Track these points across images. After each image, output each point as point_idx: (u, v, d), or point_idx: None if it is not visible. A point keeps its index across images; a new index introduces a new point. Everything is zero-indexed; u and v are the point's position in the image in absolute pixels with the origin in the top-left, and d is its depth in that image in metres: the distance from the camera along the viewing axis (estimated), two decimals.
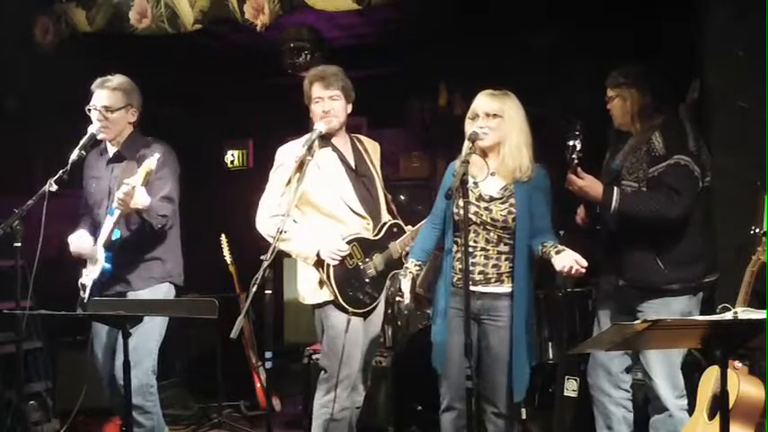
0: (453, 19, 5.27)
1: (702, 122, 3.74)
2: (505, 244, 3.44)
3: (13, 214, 3.63)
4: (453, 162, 3.52)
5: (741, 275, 3.21)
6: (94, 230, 3.88)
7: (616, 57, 3.66)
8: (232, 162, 7.20)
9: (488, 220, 3.42)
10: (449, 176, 3.54)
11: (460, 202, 3.27)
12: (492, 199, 3.44)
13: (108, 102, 3.83)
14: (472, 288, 3.34)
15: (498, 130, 3.41)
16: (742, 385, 3.17)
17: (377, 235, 3.80)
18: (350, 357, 3.69)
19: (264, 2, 4.50)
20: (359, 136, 3.99)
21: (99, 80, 3.88)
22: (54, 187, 3.67)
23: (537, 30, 5.17)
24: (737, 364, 3.26)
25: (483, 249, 3.45)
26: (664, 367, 3.47)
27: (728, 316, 2.32)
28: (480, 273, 3.44)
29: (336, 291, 3.65)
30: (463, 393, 3.31)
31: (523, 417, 4.71)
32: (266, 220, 3.69)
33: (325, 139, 3.74)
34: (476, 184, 3.46)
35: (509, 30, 5.22)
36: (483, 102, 3.46)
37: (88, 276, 3.81)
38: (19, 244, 3.65)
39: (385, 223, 3.84)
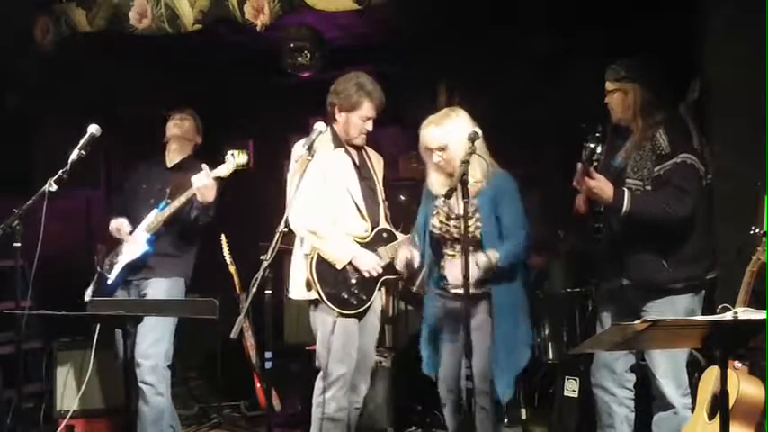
0: (453, 19, 5.27)
1: (703, 122, 3.74)
2: (475, 251, 3.49)
3: (13, 214, 3.63)
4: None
5: (741, 275, 3.21)
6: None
7: (616, 57, 3.64)
8: None
9: (459, 237, 3.48)
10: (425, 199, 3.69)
11: (435, 221, 3.54)
12: (459, 217, 3.47)
13: (184, 131, 4.39)
14: (454, 291, 3.52)
15: (450, 159, 3.47)
16: (742, 385, 3.17)
17: (366, 238, 3.80)
18: (342, 357, 3.71)
19: (264, 2, 4.50)
20: (365, 147, 4.00)
21: (176, 118, 4.42)
22: (54, 187, 3.67)
23: (536, 29, 5.17)
24: (737, 364, 3.26)
25: (460, 255, 3.49)
26: (669, 365, 3.46)
27: (728, 316, 2.32)
28: (457, 278, 3.49)
29: (320, 291, 3.68)
30: (452, 387, 3.56)
31: (523, 417, 4.73)
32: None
33: (337, 139, 3.82)
34: (444, 202, 3.53)
35: (508, 29, 5.21)
36: (429, 136, 3.52)
37: (122, 257, 4.18)
38: (19, 244, 3.65)
39: (377, 228, 3.84)
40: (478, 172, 3.46)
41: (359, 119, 3.78)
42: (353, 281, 3.73)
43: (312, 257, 3.70)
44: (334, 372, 3.70)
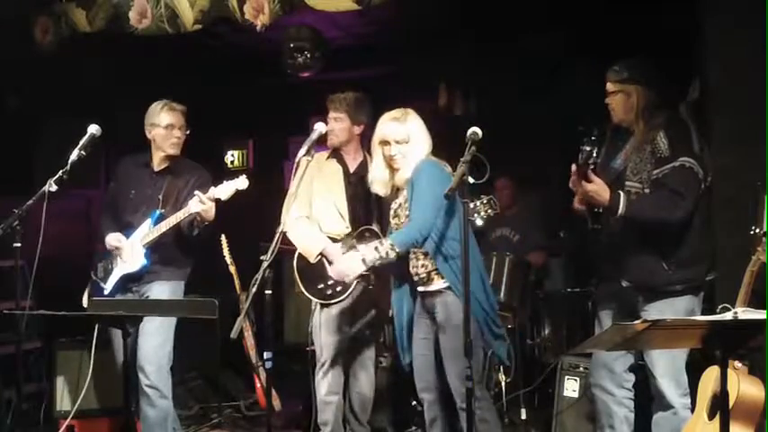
0: (453, 19, 5.27)
1: (703, 122, 3.73)
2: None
3: (13, 214, 3.64)
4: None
5: (741, 275, 3.21)
6: (119, 229, 4.19)
7: (616, 58, 3.64)
8: (232, 162, 7.19)
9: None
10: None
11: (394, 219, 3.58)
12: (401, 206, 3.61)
13: (181, 122, 4.20)
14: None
15: (409, 154, 3.56)
16: (742, 385, 3.17)
17: (348, 235, 4.01)
18: (324, 343, 4.03)
19: (264, 2, 4.50)
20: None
21: (164, 103, 4.20)
22: (54, 187, 3.68)
23: (536, 30, 5.17)
24: (737, 364, 3.26)
25: (412, 252, 3.58)
26: (668, 365, 3.46)
27: (728, 316, 2.32)
28: (415, 275, 3.59)
29: (299, 281, 4.07)
30: (430, 385, 3.62)
31: (523, 417, 4.73)
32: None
33: (334, 151, 4.13)
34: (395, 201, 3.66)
35: (508, 30, 5.22)
36: (390, 129, 3.59)
37: (117, 268, 4.14)
38: (19, 244, 3.65)
39: (361, 227, 4.04)
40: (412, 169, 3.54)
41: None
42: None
43: (297, 252, 4.06)
44: (319, 356, 4.07)
